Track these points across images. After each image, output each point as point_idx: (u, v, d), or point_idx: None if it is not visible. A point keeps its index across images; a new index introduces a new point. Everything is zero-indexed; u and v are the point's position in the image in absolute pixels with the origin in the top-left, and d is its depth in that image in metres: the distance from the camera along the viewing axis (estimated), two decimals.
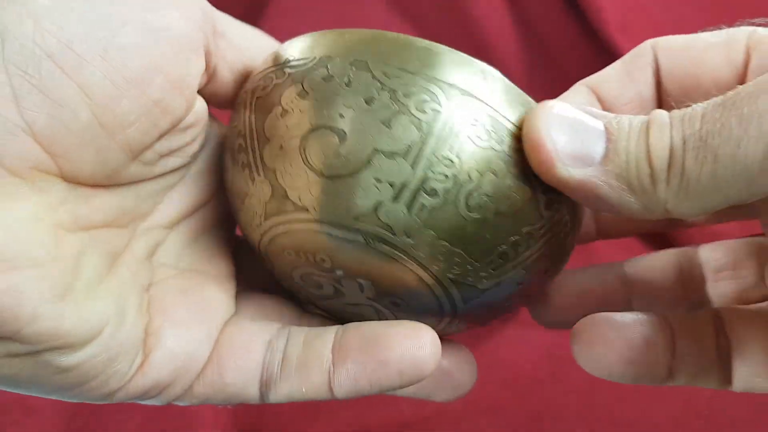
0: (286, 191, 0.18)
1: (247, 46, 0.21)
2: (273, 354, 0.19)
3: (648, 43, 0.22)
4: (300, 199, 0.18)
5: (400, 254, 0.18)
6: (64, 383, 0.16)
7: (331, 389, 0.19)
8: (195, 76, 0.18)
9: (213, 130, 0.22)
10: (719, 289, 0.23)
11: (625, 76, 0.21)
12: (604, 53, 0.65)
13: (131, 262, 0.19)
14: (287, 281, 0.21)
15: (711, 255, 0.24)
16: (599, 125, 0.17)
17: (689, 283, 0.24)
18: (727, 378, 0.20)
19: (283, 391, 0.19)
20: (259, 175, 0.19)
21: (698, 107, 0.16)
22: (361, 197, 0.17)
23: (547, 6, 0.66)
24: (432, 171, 0.17)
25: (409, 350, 0.19)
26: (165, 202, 0.20)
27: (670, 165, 0.15)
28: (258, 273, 0.23)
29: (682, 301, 0.24)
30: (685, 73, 0.21)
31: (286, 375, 0.19)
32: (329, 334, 0.20)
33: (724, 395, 0.40)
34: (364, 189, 0.17)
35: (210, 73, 0.19)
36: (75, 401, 0.17)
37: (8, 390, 0.16)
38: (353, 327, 0.20)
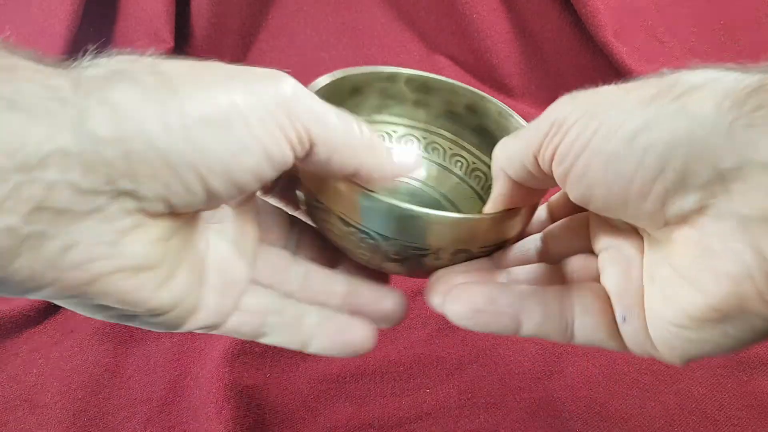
0: None
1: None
2: (272, 318, 0.26)
3: None
4: None
5: None
6: (151, 325, 0.22)
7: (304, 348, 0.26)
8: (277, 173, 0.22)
9: None
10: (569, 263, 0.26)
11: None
12: (599, 56, 0.66)
13: (195, 245, 0.23)
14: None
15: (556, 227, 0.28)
16: None
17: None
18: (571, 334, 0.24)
19: (277, 340, 0.26)
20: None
21: None
22: None
23: (544, 10, 0.67)
24: None
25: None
26: None
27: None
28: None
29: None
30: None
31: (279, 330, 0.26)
32: (312, 314, 0.26)
33: (718, 392, 0.40)
34: None
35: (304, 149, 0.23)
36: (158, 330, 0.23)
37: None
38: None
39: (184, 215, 0.21)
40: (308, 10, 0.68)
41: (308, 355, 0.43)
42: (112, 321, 0.22)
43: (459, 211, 0.31)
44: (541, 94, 0.67)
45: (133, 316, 0.21)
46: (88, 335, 0.44)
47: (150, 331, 0.45)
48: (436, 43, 0.68)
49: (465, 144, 0.33)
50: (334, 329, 0.25)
